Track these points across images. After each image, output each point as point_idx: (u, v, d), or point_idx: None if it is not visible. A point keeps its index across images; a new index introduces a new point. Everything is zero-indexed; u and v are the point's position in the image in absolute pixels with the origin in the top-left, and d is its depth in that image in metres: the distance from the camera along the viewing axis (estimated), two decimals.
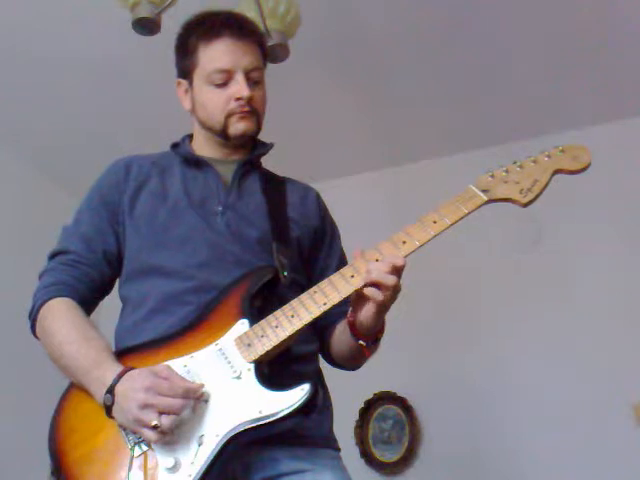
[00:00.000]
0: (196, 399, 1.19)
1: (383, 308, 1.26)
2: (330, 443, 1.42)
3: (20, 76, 2.93)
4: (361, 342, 1.33)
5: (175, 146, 1.60)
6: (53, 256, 1.47)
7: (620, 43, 2.90)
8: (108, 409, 1.21)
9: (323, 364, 1.52)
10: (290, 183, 1.61)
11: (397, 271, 1.23)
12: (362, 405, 3.37)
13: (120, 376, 1.21)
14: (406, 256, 1.26)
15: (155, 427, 1.13)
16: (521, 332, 3.22)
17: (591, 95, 3.19)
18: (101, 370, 1.24)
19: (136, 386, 1.17)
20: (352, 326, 1.33)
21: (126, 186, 1.49)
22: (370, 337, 1.33)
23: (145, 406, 1.15)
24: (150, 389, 1.16)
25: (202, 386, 1.20)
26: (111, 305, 1.56)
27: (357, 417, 3.36)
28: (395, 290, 1.24)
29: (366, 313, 1.27)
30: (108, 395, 1.20)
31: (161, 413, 1.15)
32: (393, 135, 3.49)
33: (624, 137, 3.27)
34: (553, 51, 2.94)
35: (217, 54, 1.47)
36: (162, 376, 1.18)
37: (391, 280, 1.22)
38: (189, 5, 2.01)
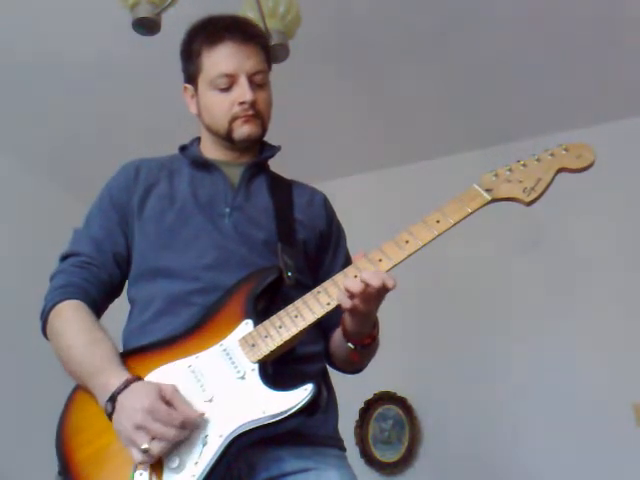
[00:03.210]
0: (194, 429, 1.18)
1: (358, 315, 1.27)
2: (335, 442, 1.42)
3: (21, 77, 2.93)
4: (349, 344, 1.35)
5: (183, 149, 1.60)
6: (64, 258, 1.47)
7: (621, 43, 2.90)
8: (108, 415, 1.22)
9: None
10: (297, 186, 1.61)
11: (366, 281, 1.21)
12: (362, 405, 3.38)
13: (124, 386, 1.21)
14: (410, 256, 1.26)
15: (145, 451, 1.13)
16: (521, 332, 3.23)
17: (592, 95, 3.19)
18: (105, 376, 1.25)
19: (137, 405, 1.16)
20: (344, 331, 1.35)
21: (135, 188, 1.50)
22: (359, 342, 1.35)
23: (140, 427, 1.15)
24: (149, 412, 1.15)
25: (202, 415, 1.19)
26: (117, 306, 1.56)
27: (357, 417, 3.36)
28: (367, 300, 1.23)
29: (346, 319, 1.31)
30: (109, 403, 1.21)
31: (153, 438, 1.14)
32: (393, 135, 3.49)
33: (625, 137, 3.28)
34: (553, 51, 2.94)
35: (220, 59, 1.48)
36: (165, 398, 1.18)
37: (356, 287, 1.21)
38: (189, 5, 2.02)
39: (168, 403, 1.18)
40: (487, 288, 3.34)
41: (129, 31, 2.04)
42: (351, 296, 1.22)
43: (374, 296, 1.23)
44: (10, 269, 3.20)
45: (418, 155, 3.60)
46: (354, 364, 1.47)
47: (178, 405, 1.18)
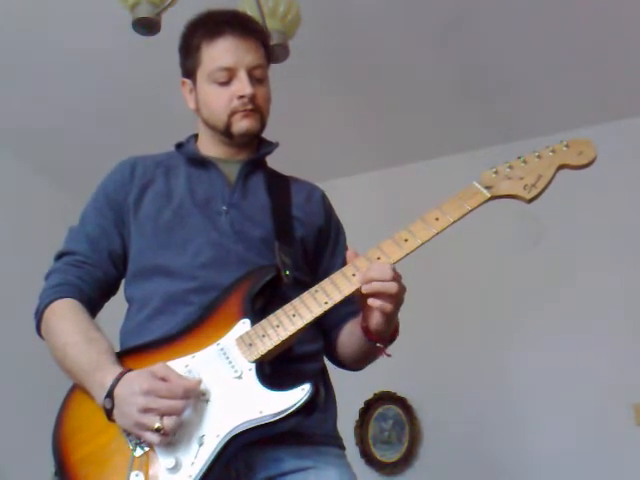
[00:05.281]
0: (196, 397, 1.19)
1: (392, 313, 1.26)
2: (334, 441, 1.41)
3: (21, 76, 2.93)
4: (379, 345, 1.33)
5: (180, 146, 1.59)
6: (59, 257, 1.47)
7: (621, 43, 2.90)
8: (108, 412, 1.21)
9: (327, 362, 1.52)
10: (295, 182, 1.60)
11: (396, 278, 1.22)
12: (362, 405, 3.37)
13: (118, 379, 1.21)
14: (408, 254, 1.26)
15: (158, 430, 1.13)
16: (521, 332, 3.23)
17: (591, 95, 3.19)
18: (101, 373, 1.24)
19: (135, 389, 1.17)
20: (366, 331, 1.32)
21: (131, 186, 1.49)
22: (387, 339, 1.33)
23: (146, 410, 1.15)
24: (149, 392, 1.15)
25: (200, 382, 1.20)
26: (113, 306, 1.56)
27: (357, 417, 3.36)
28: (399, 295, 1.24)
29: (376, 321, 1.28)
30: (108, 399, 1.20)
31: (162, 415, 1.14)
32: (393, 135, 3.49)
33: (625, 137, 3.28)
34: (553, 51, 2.94)
35: (219, 52, 1.47)
36: (160, 376, 1.18)
37: (392, 288, 1.21)
38: (189, 5, 2.02)
39: (163, 380, 1.18)
40: (487, 288, 3.34)
41: (129, 30, 2.05)
42: (386, 297, 1.22)
43: (401, 288, 1.23)
44: (7, 268, 3.20)
45: (418, 155, 3.60)
46: (375, 359, 1.45)
47: (174, 379, 1.18)
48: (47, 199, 3.61)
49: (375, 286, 1.22)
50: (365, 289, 1.23)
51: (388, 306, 1.23)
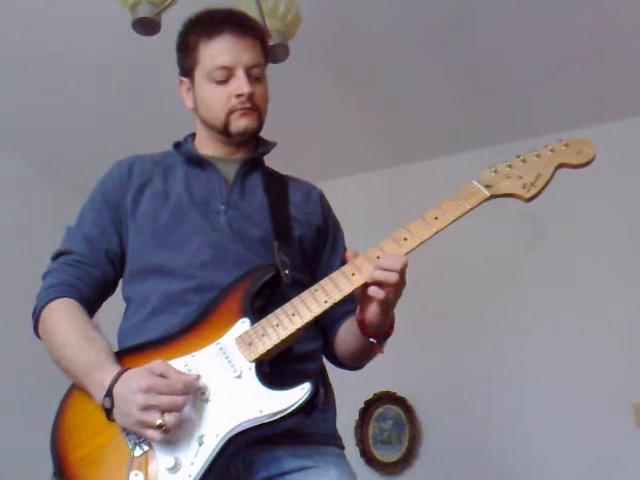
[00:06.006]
0: (195, 392, 1.19)
1: (388, 306, 1.26)
2: (334, 441, 1.41)
3: (20, 76, 2.93)
4: (372, 340, 1.32)
5: (177, 145, 1.59)
6: (56, 256, 1.46)
7: (620, 43, 2.90)
8: (108, 412, 1.20)
9: (326, 362, 1.51)
10: (293, 182, 1.60)
11: (399, 268, 1.22)
12: (362, 405, 3.37)
13: (116, 378, 1.20)
14: (407, 253, 1.25)
15: (160, 426, 1.13)
16: (521, 332, 3.23)
17: (592, 95, 3.19)
18: (100, 372, 1.23)
19: (134, 388, 1.16)
20: (362, 325, 1.32)
21: (129, 186, 1.49)
22: (381, 334, 1.32)
23: (146, 407, 1.14)
24: (149, 389, 1.15)
25: (199, 377, 1.20)
26: (112, 305, 1.56)
27: (357, 417, 3.36)
28: (397, 287, 1.23)
29: (372, 311, 1.27)
30: (107, 398, 1.20)
31: (164, 412, 1.14)
32: (393, 135, 3.49)
33: (625, 137, 3.28)
34: (553, 51, 2.94)
35: (217, 51, 1.47)
36: (158, 373, 1.18)
37: (392, 277, 1.21)
38: (189, 5, 2.02)
39: (162, 376, 1.17)
40: (487, 288, 3.34)
41: (129, 30, 2.05)
42: (385, 286, 1.21)
43: (401, 280, 1.23)
44: (7, 267, 3.20)
45: (418, 155, 3.61)
46: (372, 357, 1.45)
47: (172, 374, 1.18)
48: (47, 199, 3.62)
49: (378, 274, 1.21)
50: (369, 276, 1.23)
51: (382, 293, 1.22)
